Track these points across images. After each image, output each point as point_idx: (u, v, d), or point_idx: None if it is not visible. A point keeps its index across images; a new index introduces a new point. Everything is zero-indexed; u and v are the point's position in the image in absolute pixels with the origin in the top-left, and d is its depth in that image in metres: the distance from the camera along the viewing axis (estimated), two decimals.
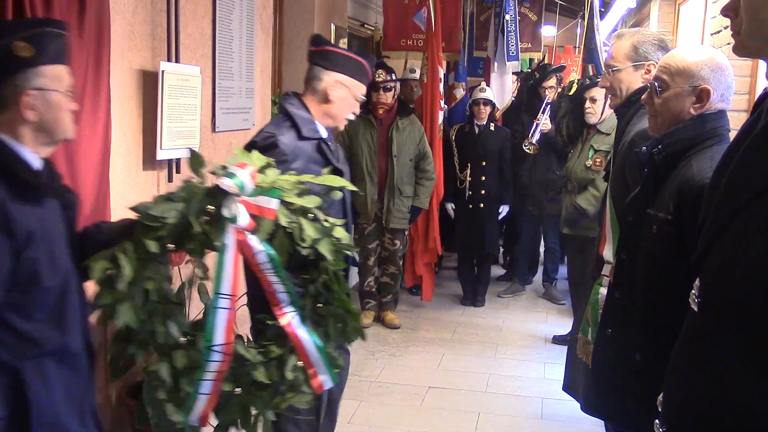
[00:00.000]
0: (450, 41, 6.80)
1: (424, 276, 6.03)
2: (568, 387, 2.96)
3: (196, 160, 2.16)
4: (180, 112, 3.36)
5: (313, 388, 2.29)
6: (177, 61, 3.36)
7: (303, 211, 2.25)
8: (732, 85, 2.08)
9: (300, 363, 2.25)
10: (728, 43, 1.65)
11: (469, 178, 6.17)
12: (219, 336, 2.10)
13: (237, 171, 2.10)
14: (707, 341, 1.16)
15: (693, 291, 1.25)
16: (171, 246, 2.06)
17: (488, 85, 6.73)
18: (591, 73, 6.09)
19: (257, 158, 2.24)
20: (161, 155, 3.26)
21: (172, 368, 2.08)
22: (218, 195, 2.07)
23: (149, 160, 3.26)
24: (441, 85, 6.02)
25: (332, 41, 5.73)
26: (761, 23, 1.14)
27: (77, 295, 1.89)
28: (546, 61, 8.31)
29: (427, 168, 5.60)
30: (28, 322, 1.72)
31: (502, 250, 7.48)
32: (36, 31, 1.76)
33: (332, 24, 5.74)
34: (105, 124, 2.78)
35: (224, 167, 2.12)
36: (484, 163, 6.17)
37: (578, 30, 10.26)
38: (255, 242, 2.14)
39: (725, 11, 1.61)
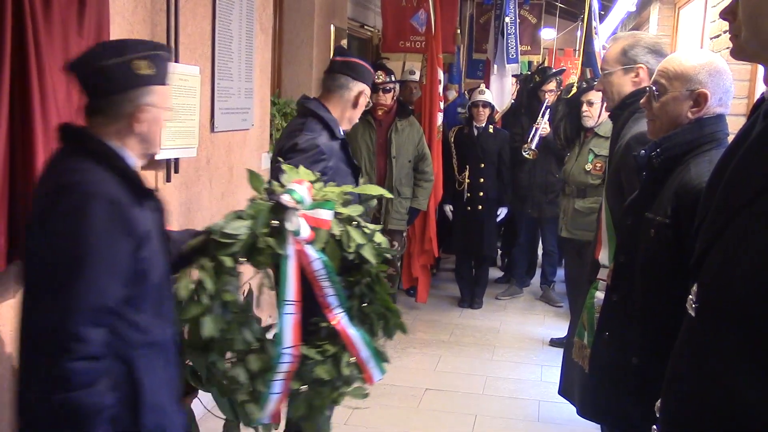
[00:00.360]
0: (446, 42, 6.81)
1: (420, 278, 6.03)
2: (564, 391, 2.96)
3: (255, 180, 2.38)
4: (178, 112, 3.36)
5: (365, 380, 2.50)
6: (176, 61, 3.36)
7: (348, 220, 2.48)
8: (731, 90, 2.08)
9: (352, 359, 2.44)
10: (727, 47, 1.65)
11: (467, 180, 6.18)
12: (288, 339, 2.29)
13: (296, 187, 2.32)
14: (706, 345, 1.15)
15: (690, 296, 1.25)
16: (242, 260, 2.25)
17: (488, 87, 6.73)
18: (589, 77, 6.09)
19: (305, 173, 2.47)
20: (159, 155, 3.26)
21: (247, 371, 2.27)
22: (280, 210, 2.26)
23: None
24: (440, 88, 6.03)
25: (332, 42, 5.74)
26: (758, 29, 1.14)
27: (169, 290, 2.04)
28: (546, 64, 8.33)
29: (426, 169, 5.60)
30: (138, 314, 1.86)
31: (500, 252, 7.48)
32: (153, 53, 1.92)
33: (332, 25, 5.74)
34: None
35: (283, 185, 2.34)
36: (482, 165, 6.17)
37: (578, 33, 10.27)
38: (311, 251, 2.32)
39: (724, 14, 1.62)
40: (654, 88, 2.15)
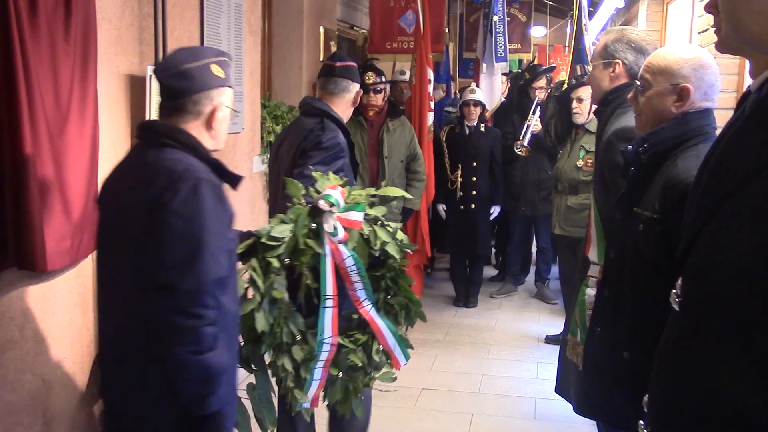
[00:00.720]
0: (435, 41, 6.81)
1: (414, 278, 6.01)
2: (560, 389, 2.96)
3: (293, 187, 2.66)
4: None
5: (392, 365, 2.80)
6: None
7: (375, 219, 2.74)
8: (716, 84, 2.08)
9: (381, 346, 2.73)
10: (715, 42, 1.65)
11: (460, 179, 6.18)
12: (327, 330, 2.56)
13: (331, 192, 2.57)
14: (689, 339, 1.15)
15: (674, 290, 1.25)
16: (287, 260, 2.52)
17: (477, 86, 6.73)
18: (579, 73, 6.10)
19: (334, 179, 2.74)
20: None
21: (292, 360, 2.55)
22: (318, 214, 2.53)
23: None
24: (431, 87, 6.03)
25: (321, 44, 5.74)
26: (737, 23, 1.14)
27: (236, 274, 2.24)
28: (536, 62, 8.33)
29: (418, 169, 5.60)
30: (225, 296, 2.02)
31: (494, 250, 7.48)
32: (221, 59, 2.17)
33: (321, 27, 5.74)
34: (93, 129, 2.77)
35: (318, 190, 2.61)
36: (474, 164, 6.17)
37: (568, 29, 10.29)
38: (344, 250, 2.58)
39: (708, 7, 1.62)
40: (639, 83, 2.16)
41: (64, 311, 2.79)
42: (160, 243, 1.93)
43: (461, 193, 6.18)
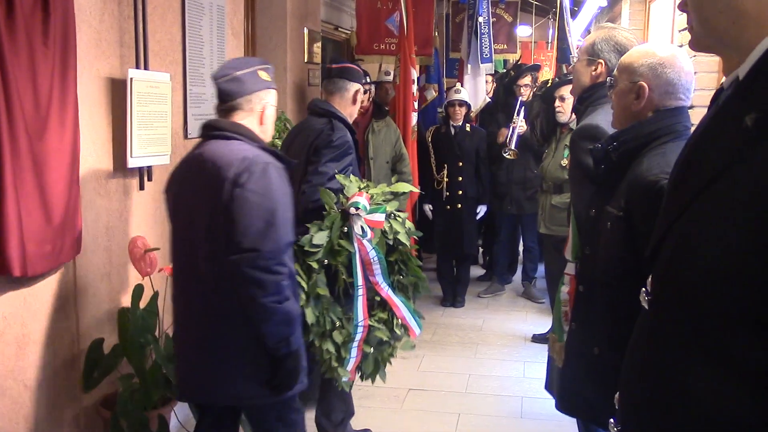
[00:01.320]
0: (423, 45, 6.83)
1: None
2: (549, 386, 2.97)
3: (326, 196, 3.11)
4: (150, 120, 3.33)
5: (409, 335, 3.31)
6: (146, 68, 3.33)
7: (389, 214, 3.20)
8: (679, 83, 2.05)
9: (399, 321, 3.22)
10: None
11: (446, 179, 6.19)
12: (360, 315, 3.09)
13: (359, 199, 3.07)
14: (659, 337, 1.16)
15: (644, 288, 1.26)
16: (325, 261, 3.04)
17: (462, 86, 6.74)
18: (565, 72, 6.12)
19: (356, 182, 3.21)
20: (132, 163, 3.23)
21: (334, 344, 3.05)
22: (348, 218, 3.05)
23: (119, 168, 3.23)
24: (414, 87, 6.03)
25: (305, 45, 5.72)
26: (704, 21, 1.15)
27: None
28: (521, 61, 8.34)
29: (404, 170, 5.60)
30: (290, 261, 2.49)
31: (481, 250, 7.49)
32: (266, 66, 2.64)
33: (305, 28, 5.72)
34: (73, 133, 2.76)
35: (346, 196, 3.10)
36: (460, 164, 6.18)
37: (549, 27, 10.34)
38: (368, 244, 3.08)
39: (681, 6, 1.62)
40: (611, 79, 2.18)
41: (45, 316, 2.77)
42: (242, 215, 2.34)
43: (447, 193, 6.19)
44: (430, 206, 6.34)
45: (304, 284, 2.94)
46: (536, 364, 4.81)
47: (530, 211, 6.17)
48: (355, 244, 3.03)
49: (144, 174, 3.41)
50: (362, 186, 3.17)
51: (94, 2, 3.01)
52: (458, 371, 4.80)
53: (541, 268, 6.65)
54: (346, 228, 3.04)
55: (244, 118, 2.55)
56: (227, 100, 2.54)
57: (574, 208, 2.59)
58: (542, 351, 3.21)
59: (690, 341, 1.06)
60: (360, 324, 3.08)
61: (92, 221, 3.05)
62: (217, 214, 2.39)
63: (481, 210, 6.35)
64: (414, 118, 5.98)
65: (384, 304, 3.20)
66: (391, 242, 3.21)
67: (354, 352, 3.08)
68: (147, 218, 3.49)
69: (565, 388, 2.36)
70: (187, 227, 2.52)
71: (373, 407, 4.19)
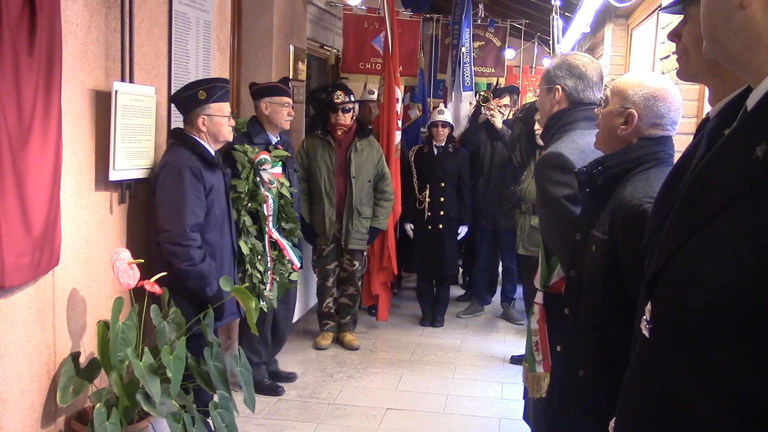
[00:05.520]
0: (407, 65, 6.89)
1: (381, 296, 6.02)
2: (527, 416, 2.98)
3: (239, 156, 4.17)
4: (133, 133, 3.33)
5: (293, 268, 4.44)
6: (131, 81, 3.33)
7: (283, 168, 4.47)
8: (668, 115, 2.09)
9: (287, 258, 4.37)
10: (676, 68, 1.69)
11: (428, 199, 6.21)
12: (268, 251, 4.30)
13: (264, 156, 4.23)
14: (660, 366, 1.13)
15: (644, 316, 1.24)
16: (249, 205, 4.18)
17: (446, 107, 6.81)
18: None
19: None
20: (114, 176, 3.22)
21: (258, 272, 4.20)
22: (257, 171, 4.20)
23: (101, 181, 3.21)
24: (398, 106, 6.06)
25: (290, 62, 5.75)
26: (715, 42, 1.13)
27: (228, 222, 3.70)
28: (502, 84, 8.41)
29: (386, 189, 5.61)
30: (208, 234, 3.51)
31: (461, 270, 7.51)
32: (209, 85, 3.53)
33: (291, 45, 5.75)
34: (56, 145, 2.74)
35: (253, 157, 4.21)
36: (442, 185, 6.21)
37: (535, 50, 10.42)
38: (270, 197, 4.22)
39: (671, 35, 1.65)
40: (602, 99, 2.22)
41: (22, 328, 2.74)
42: (157, 204, 3.39)
43: (429, 213, 6.21)
44: (412, 225, 6.36)
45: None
46: (514, 385, 4.82)
47: (505, 227, 6.21)
48: (266, 193, 4.16)
49: (125, 187, 3.40)
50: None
51: (81, 15, 3.01)
52: (436, 391, 4.79)
53: (520, 290, 6.67)
54: (258, 177, 4.14)
55: (190, 128, 3.58)
56: (183, 114, 3.63)
57: (542, 235, 2.62)
58: (520, 372, 3.22)
59: (692, 372, 1.04)
60: (268, 258, 4.22)
61: (72, 233, 3.03)
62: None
63: (462, 231, 6.38)
64: (397, 136, 6.00)
65: (274, 245, 4.29)
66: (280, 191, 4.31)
67: (268, 278, 4.20)
68: (127, 231, 3.47)
69: (552, 411, 2.36)
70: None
71: (350, 426, 4.17)
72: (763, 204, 0.96)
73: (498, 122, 6.31)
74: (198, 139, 3.50)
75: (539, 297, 2.68)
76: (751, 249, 0.96)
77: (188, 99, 3.48)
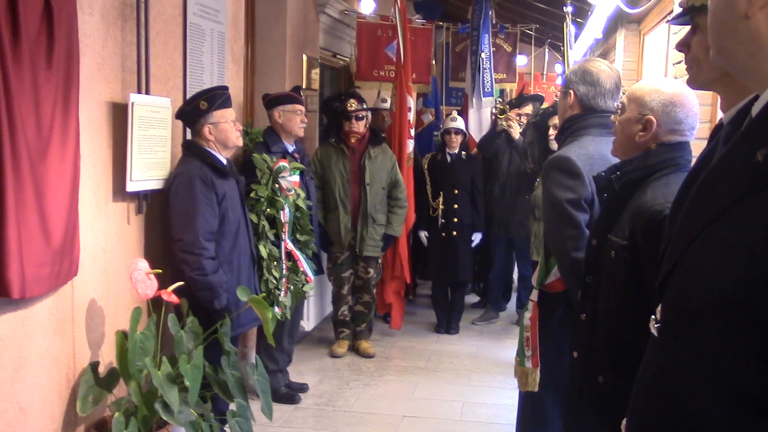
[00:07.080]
0: (420, 73, 6.90)
1: (394, 304, 6.01)
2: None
3: (259, 162, 4.24)
4: (150, 144, 3.36)
5: (307, 280, 4.45)
6: (147, 92, 3.37)
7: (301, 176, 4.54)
8: (686, 121, 2.10)
9: (300, 269, 4.39)
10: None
11: (441, 207, 6.22)
12: (284, 259, 4.33)
13: (283, 163, 4.28)
14: (667, 364, 1.16)
15: (654, 316, 1.26)
16: (267, 210, 4.29)
17: (466, 119, 6.80)
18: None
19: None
20: (131, 187, 3.26)
21: (274, 278, 4.25)
22: (276, 178, 4.27)
23: (119, 192, 3.25)
24: (411, 114, 6.08)
25: (304, 72, 5.78)
26: (722, 50, 1.16)
27: (245, 228, 3.77)
28: (520, 91, 8.40)
29: (400, 196, 5.62)
30: (225, 241, 3.57)
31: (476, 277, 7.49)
32: (208, 95, 3.56)
33: (304, 55, 5.78)
34: (74, 156, 2.78)
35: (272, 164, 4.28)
36: (456, 192, 6.22)
37: (546, 56, 10.41)
38: (287, 207, 4.28)
39: (680, 46, 1.66)
40: (619, 106, 2.22)
41: (42, 338, 2.77)
42: (170, 213, 3.45)
43: (443, 220, 6.22)
44: (426, 233, 6.37)
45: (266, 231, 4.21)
46: None
47: (517, 235, 6.20)
48: (284, 201, 4.24)
49: (142, 198, 3.43)
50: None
51: (97, 28, 3.05)
52: (452, 398, 4.79)
53: None
54: (276, 184, 4.22)
55: (199, 138, 3.62)
56: (189, 126, 3.73)
57: (544, 236, 2.64)
58: None
59: (699, 370, 1.06)
60: (283, 264, 4.25)
61: (90, 244, 3.06)
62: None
63: (477, 237, 6.38)
64: (410, 145, 6.02)
65: (289, 255, 4.33)
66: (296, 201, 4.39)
67: (282, 285, 4.22)
68: (144, 242, 3.50)
69: (570, 418, 2.36)
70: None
71: None
72: (763, 204, 1.00)
73: (515, 133, 6.29)
74: (207, 148, 3.56)
75: (534, 294, 2.71)
76: (752, 248, 0.99)
77: (191, 112, 3.54)
